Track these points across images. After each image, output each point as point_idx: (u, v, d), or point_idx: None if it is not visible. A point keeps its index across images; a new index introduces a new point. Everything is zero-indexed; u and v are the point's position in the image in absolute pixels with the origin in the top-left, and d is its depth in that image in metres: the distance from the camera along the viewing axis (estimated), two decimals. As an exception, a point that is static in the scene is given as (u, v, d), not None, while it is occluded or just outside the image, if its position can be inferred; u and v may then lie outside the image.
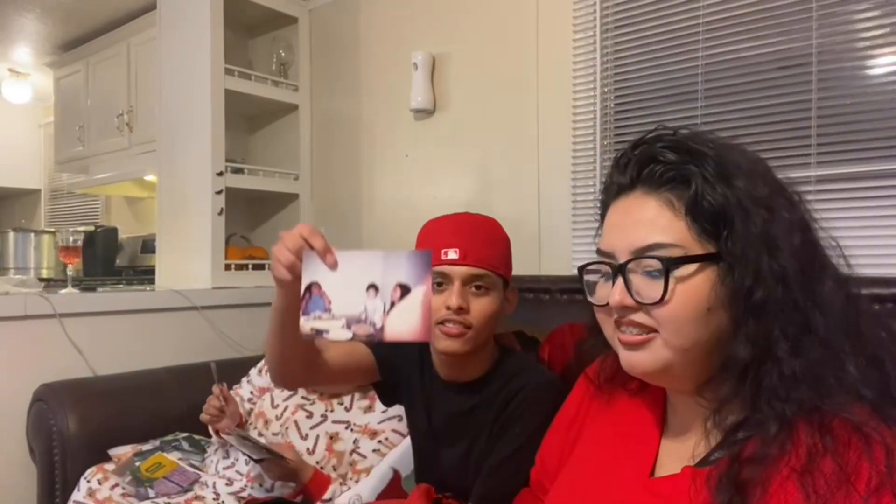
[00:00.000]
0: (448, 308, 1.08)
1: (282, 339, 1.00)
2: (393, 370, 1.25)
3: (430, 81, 2.25)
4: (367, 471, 1.48)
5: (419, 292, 0.79)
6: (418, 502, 1.09)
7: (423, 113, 2.29)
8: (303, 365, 1.08)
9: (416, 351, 1.24)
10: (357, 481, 1.48)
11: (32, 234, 3.92)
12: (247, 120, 2.80)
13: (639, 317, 0.68)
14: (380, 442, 1.53)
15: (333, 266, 0.81)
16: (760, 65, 1.64)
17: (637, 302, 0.68)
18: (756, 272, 0.64)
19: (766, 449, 0.60)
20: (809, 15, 1.57)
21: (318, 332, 0.80)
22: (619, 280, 0.69)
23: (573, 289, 1.63)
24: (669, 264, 0.66)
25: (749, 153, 0.71)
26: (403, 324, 0.79)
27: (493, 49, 2.13)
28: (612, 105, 1.90)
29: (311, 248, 0.83)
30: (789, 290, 0.64)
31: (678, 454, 0.71)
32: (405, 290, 0.79)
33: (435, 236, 1.14)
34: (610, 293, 0.70)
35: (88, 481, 1.61)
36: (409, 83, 2.26)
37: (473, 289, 1.10)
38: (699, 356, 0.67)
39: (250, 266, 2.46)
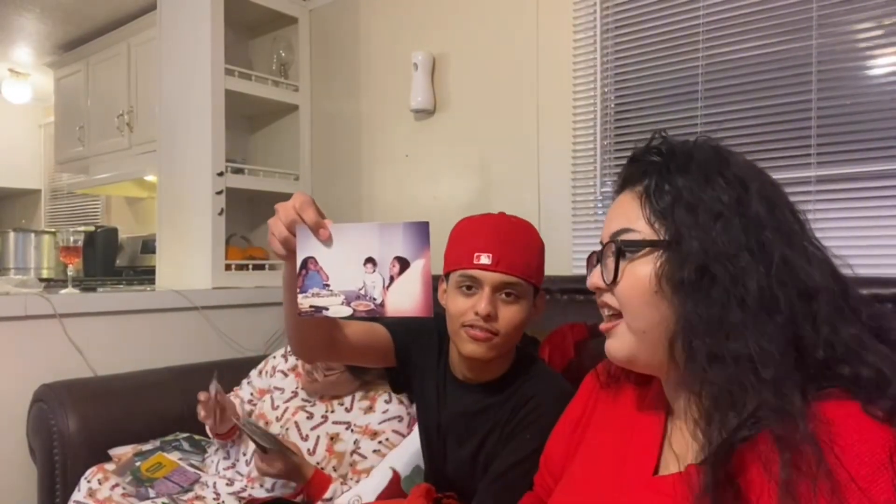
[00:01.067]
0: (476, 314, 1.07)
1: (293, 313, 0.95)
2: (409, 361, 1.24)
3: (430, 81, 2.25)
4: (368, 471, 1.48)
5: (418, 266, 0.77)
6: (418, 502, 1.10)
7: (423, 113, 2.29)
8: (321, 339, 1.06)
9: (436, 344, 1.22)
10: (357, 482, 1.48)
11: (33, 235, 3.92)
12: (247, 120, 2.80)
13: (608, 297, 0.74)
14: (380, 442, 1.53)
15: (327, 240, 0.78)
16: (760, 65, 1.64)
17: (603, 284, 0.74)
18: (693, 254, 0.66)
19: (732, 434, 0.61)
20: (809, 16, 1.57)
21: (318, 310, 0.78)
22: (597, 266, 0.75)
23: (573, 289, 1.63)
24: (621, 247, 0.72)
25: (742, 159, 0.74)
26: (404, 299, 0.77)
27: (493, 49, 2.13)
28: (612, 105, 1.90)
29: (303, 221, 0.79)
30: (711, 266, 0.65)
31: (682, 452, 0.71)
32: (404, 263, 0.77)
33: (469, 238, 1.11)
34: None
35: (89, 481, 1.61)
36: (409, 83, 2.26)
37: (503, 296, 1.08)
38: (657, 340, 0.70)
39: (250, 266, 2.47)
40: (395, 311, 0.77)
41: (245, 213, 2.72)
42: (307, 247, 0.79)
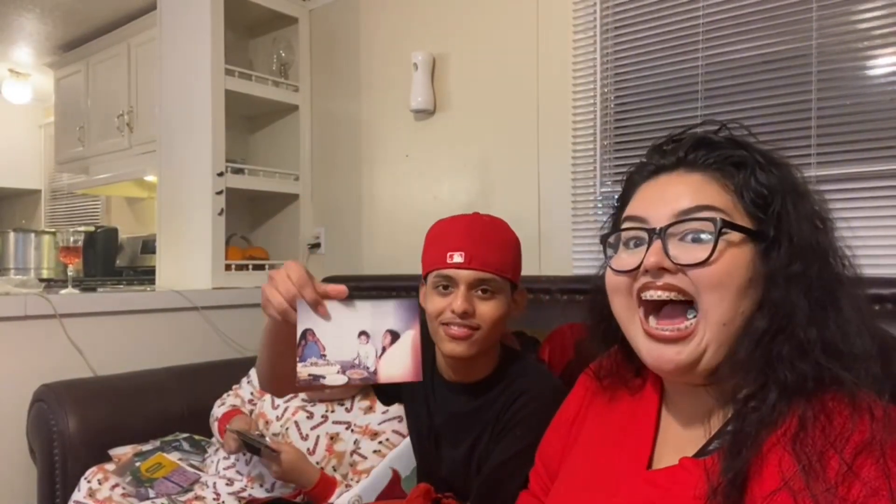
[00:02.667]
0: (453, 311, 1.08)
1: (273, 360, 1.00)
2: None
3: (430, 81, 2.25)
4: (368, 471, 1.48)
5: (408, 336, 0.83)
6: (417, 502, 1.10)
7: (423, 113, 2.29)
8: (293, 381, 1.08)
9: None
10: (357, 482, 1.48)
11: (33, 235, 3.92)
12: (247, 120, 2.80)
13: (677, 279, 0.67)
14: (380, 443, 1.53)
15: (326, 317, 0.83)
16: (760, 65, 1.64)
17: (676, 264, 0.66)
18: (800, 249, 0.66)
19: (763, 416, 0.62)
20: (809, 15, 1.57)
21: (315, 378, 0.82)
22: (657, 243, 0.67)
23: (573, 289, 1.63)
24: (723, 225, 0.65)
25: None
26: (396, 366, 0.82)
27: (493, 49, 2.13)
28: (612, 105, 1.90)
29: (303, 298, 0.84)
30: (826, 267, 0.66)
31: (676, 446, 0.71)
32: (395, 335, 0.83)
33: (442, 238, 1.13)
34: (643, 257, 0.68)
35: (89, 481, 1.61)
36: (409, 83, 2.26)
37: (479, 293, 1.10)
38: (733, 335, 0.66)
39: (250, 266, 2.47)
40: (387, 377, 0.82)
41: (245, 213, 2.72)
42: (306, 319, 0.83)
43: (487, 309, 1.10)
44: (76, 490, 1.62)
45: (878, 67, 1.51)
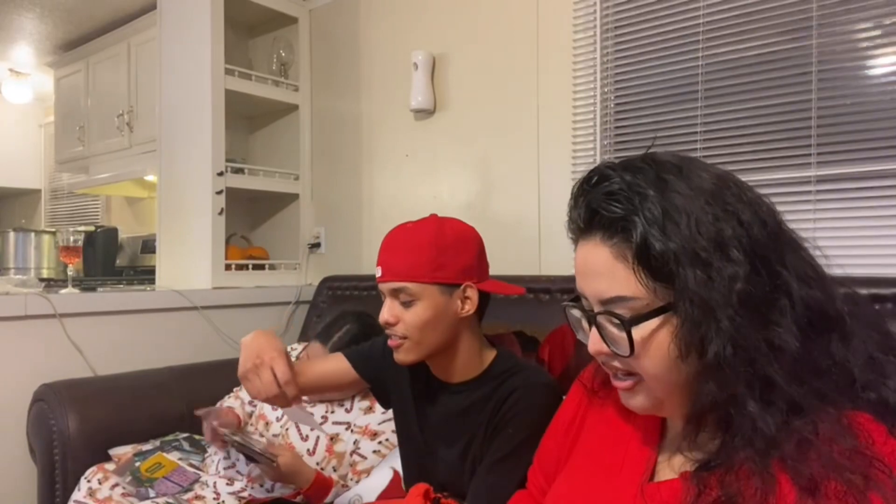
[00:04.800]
0: (381, 322, 1.14)
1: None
2: (377, 378, 1.29)
3: (430, 81, 2.25)
4: (368, 471, 1.48)
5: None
6: (417, 501, 1.10)
7: (423, 113, 2.29)
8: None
9: None
10: (357, 482, 1.48)
11: (33, 234, 3.92)
12: (247, 120, 2.80)
13: (621, 363, 0.69)
14: (380, 443, 1.53)
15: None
16: (760, 65, 1.64)
17: (613, 352, 0.68)
18: (703, 330, 0.62)
19: (745, 444, 0.61)
20: (809, 15, 1.57)
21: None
22: (594, 330, 0.70)
23: (573, 289, 1.63)
24: (629, 323, 0.65)
25: (709, 174, 0.67)
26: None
27: (493, 49, 2.13)
28: (612, 105, 1.90)
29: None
30: (739, 345, 0.62)
31: (677, 460, 0.71)
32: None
33: (379, 252, 1.18)
34: (589, 338, 0.71)
35: (89, 481, 1.61)
36: (409, 83, 2.26)
37: (400, 301, 1.13)
38: (687, 393, 0.68)
39: (250, 266, 2.47)
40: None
41: (245, 213, 2.72)
42: None
43: (409, 316, 1.12)
44: (76, 490, 1.62)
45: (878, 67, 1.51)
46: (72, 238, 2.13)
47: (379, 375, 1.28)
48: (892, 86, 1.48)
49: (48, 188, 4.86)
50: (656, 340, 0.65)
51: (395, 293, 1.13)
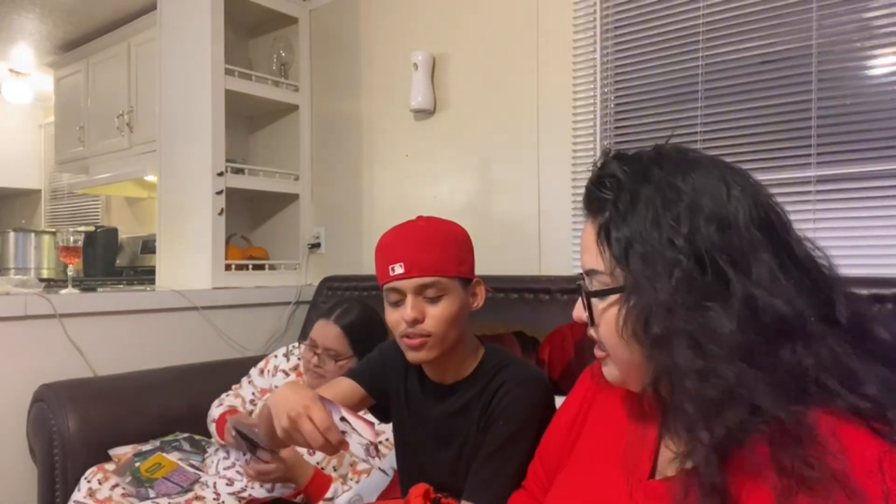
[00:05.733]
0: (406, 322, 1.11)
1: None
2: (380, 389, 1.28)
3: (430, 81, 2.25)
4: (368, 472, 1.48)
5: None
6: (417, 502, 1.09)
7: (423, 113, 2.29)
8: None
9: (402, 361, 1.25)
10: (358, 482, 1.48)
11: (33, 235, 3.92)
12: (247, 120, 2.80)
13: (593, 332, 0.75)
14: (380, 443, 1.53)
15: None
16: (760, 65, 1.64)
17: (585, 320, 0.75)
18: (645, 314, 0.66)
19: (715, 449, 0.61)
20: (809, 15, 1.57)
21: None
22: (579, 298, 0.75)
23: (573, 289, 1.63)
24: (590, 295, 0.73)
25: (698, 174, 0.69)
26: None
27: (493, 49, 2.13)
28: (612, 105, 1.90)
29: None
30: (676, 331, 0.63)
31: (678, 456, 0.71)
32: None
33: (384, 252, 1.15)
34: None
35: (89, 481, 1.61)
36: (409, 83, 2.26)
37: (426, 298, 1.12)
38: (641, 374, 0.70)
39: (250, 266, 2.47)
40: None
41: (245, 213, 2.72)
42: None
43: (437, 311, 1.11)
44: (76, 490, 1.61)
45: (879, 67, 1.51)
46: (72, 238, 2.13)
47: (381, 386, 1.28)
48: (892, 86, 1.48)
49: (48, 188, 4.86)
50: (610, 316, 0.71)
51: (420, 289, 1.11)
